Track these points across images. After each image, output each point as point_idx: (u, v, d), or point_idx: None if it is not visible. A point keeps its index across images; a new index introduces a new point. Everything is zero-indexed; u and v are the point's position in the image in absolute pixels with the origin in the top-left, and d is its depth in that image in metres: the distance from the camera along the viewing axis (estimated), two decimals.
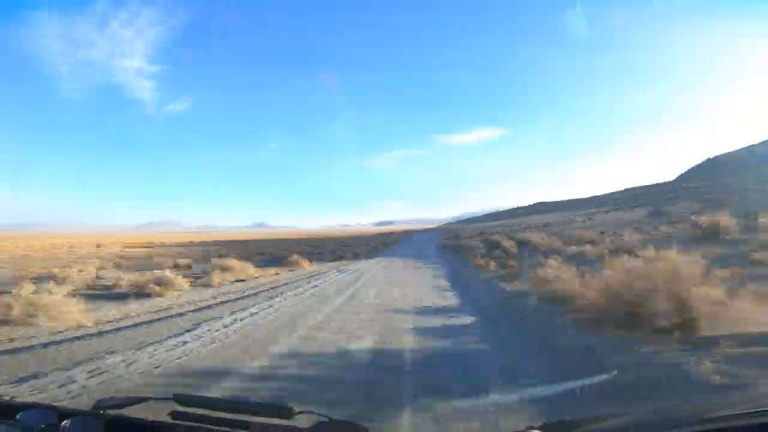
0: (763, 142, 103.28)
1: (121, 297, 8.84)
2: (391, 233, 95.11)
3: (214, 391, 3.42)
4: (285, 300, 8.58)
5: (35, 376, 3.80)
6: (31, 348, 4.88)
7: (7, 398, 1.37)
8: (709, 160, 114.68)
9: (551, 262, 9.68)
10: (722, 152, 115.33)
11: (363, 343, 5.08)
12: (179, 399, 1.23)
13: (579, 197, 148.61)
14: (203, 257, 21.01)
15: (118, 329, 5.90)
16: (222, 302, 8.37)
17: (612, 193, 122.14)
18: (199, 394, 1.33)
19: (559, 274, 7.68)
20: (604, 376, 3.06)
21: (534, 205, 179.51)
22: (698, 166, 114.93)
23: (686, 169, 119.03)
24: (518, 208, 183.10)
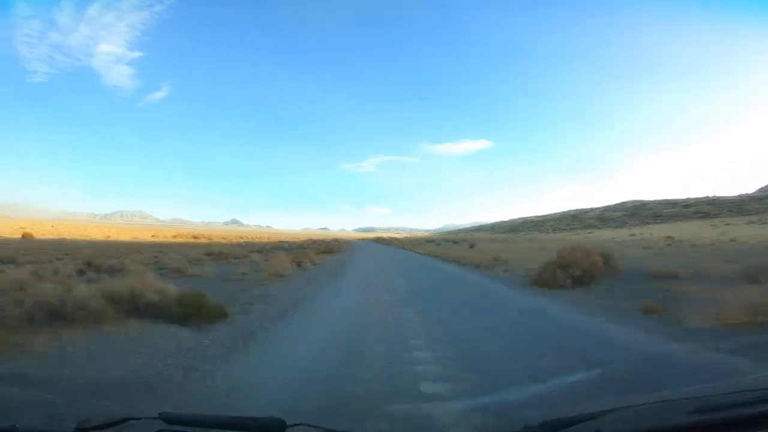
0: None
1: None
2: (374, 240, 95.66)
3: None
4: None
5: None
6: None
7: None
8: None
9: None
10: None
11: None
12: (165, 417, 1.17)
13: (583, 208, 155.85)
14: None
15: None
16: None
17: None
18: (186, 412, 1.25)
19: None
20: (597, 371, 3.13)
21: (529, 217, 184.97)
22: None
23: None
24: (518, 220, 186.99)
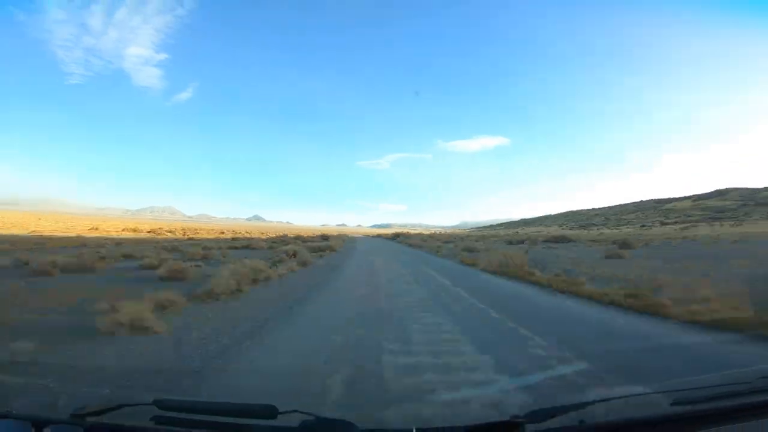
0: None
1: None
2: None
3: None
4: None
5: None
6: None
7: None
8: None
9: None
10: None
11: None
12: (159, 403, 1.18)
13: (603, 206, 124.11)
14: None
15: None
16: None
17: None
18: (180, 398, 1.29)
19: None
20: (584, 364, 3.14)
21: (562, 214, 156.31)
22: None
23: None
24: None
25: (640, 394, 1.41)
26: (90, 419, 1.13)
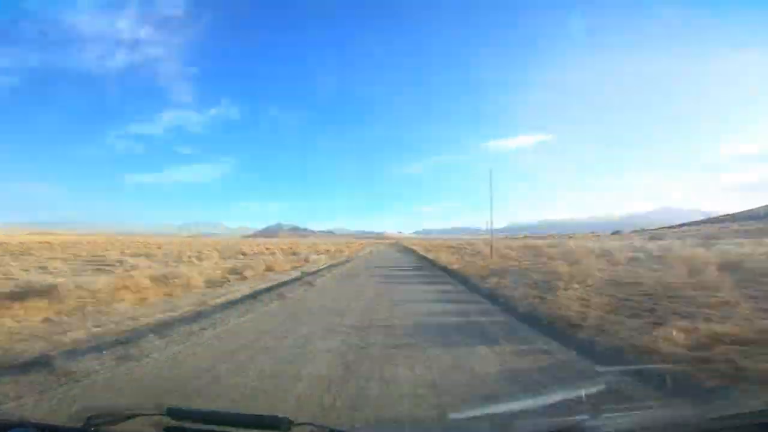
0: None
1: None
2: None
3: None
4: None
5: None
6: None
7: None
8: None
9: None
10: None
11: None
12: (172, 413, 1.20)
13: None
14: None
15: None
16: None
17: None
18: (193, 407, 1.30)
19: None
20: (602, 384, 3.11)
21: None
22: None
23: None
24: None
25: (661, 414, 1.40)
26: (103, 428, 1.15)
